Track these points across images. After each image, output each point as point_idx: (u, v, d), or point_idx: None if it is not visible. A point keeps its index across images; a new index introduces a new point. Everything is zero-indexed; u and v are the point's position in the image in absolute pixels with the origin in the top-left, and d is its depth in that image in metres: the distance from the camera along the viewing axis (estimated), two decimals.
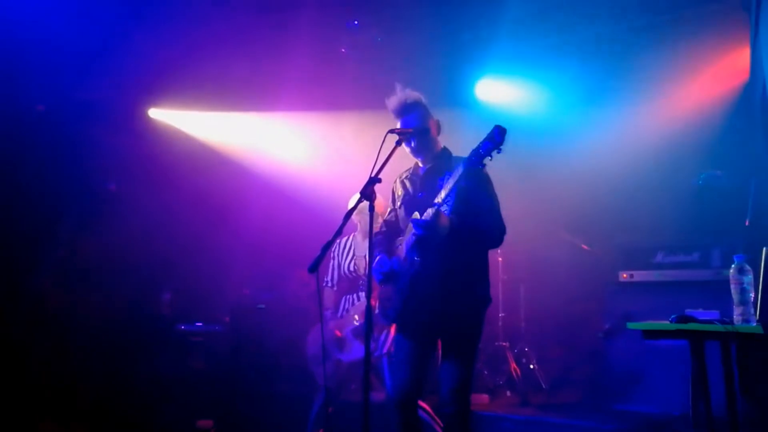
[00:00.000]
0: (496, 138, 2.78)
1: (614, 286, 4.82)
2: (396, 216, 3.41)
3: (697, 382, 2.98)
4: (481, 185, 3.11)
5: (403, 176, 3.42)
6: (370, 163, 2.91)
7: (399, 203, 3.37)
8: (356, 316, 4.31)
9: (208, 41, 5.51)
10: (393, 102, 3.22)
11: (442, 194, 2.98)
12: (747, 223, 4.41)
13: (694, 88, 5.20)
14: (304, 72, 5.87)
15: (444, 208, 2.96)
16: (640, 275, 4.72)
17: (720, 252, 4.45)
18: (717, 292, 4.27)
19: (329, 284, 4.47)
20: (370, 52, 6.09)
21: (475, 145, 2.85)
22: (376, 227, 3.39)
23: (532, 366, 5.18)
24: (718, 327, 2.50)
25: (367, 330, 2.77)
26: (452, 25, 5.73)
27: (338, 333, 4.34)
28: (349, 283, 4.46)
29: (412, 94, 3.23)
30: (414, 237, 3.04)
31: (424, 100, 3.26)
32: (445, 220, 2.95)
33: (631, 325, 2.86)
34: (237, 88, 5.97)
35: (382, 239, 3.39)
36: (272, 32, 5.67)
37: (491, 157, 2.82)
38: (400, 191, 3.39)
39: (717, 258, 4.45)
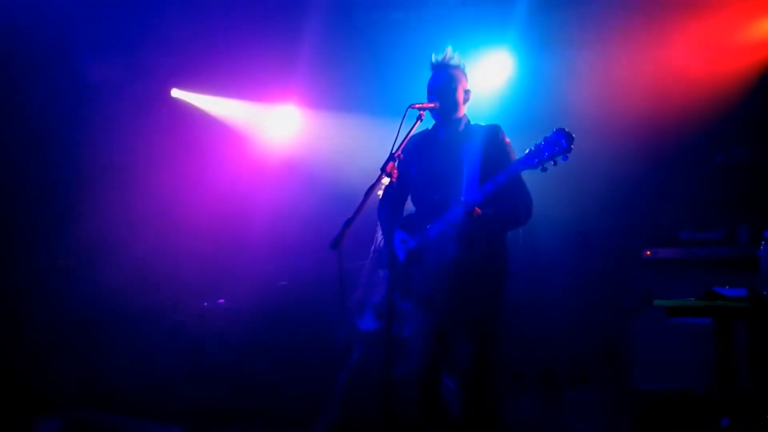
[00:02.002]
0: (562, 143, 2.66)
1: (637, 263, 4.77)
2: (405, 184, 3.26)
3: (722, 360, 2.94)
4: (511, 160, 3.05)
5: (417, 139, 3.22)
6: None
7: (412, 168, 3.25)
8: None
9: (231, 27, 5.52)
10: (435, 57, 3.21)
11: (472, 179, 2.94)
12: None
13: (722, 60, 5.04)
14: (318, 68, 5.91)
15: (480, 203, 2.90)
16: (663, 252, 4.66)
17: (747, 228, 4.37)
18: (744, 270, 4.24)
19: None
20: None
21: (532, 147, 2.75)
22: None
23: (550, 343, 5.14)
24: (745, 304, 2.45)
25: (389, 307, 2.76)
26: None
27: None
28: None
29: (455, 57, 3.21)
30: (449, 228, 3.00)
31: (464, 67, 3.24)
32: (480, 217, 2.91)
33: (657, 302, 2.82)
34: (255, 75, 5.98)
35: (391, 210, 3.32)
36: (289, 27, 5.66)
37: (555, 163, 2.71)
38: (412, 155, 3.23)
39: (744, 234, 4.37)
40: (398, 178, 3.30)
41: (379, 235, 4.41)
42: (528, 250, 5.19)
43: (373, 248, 4.47)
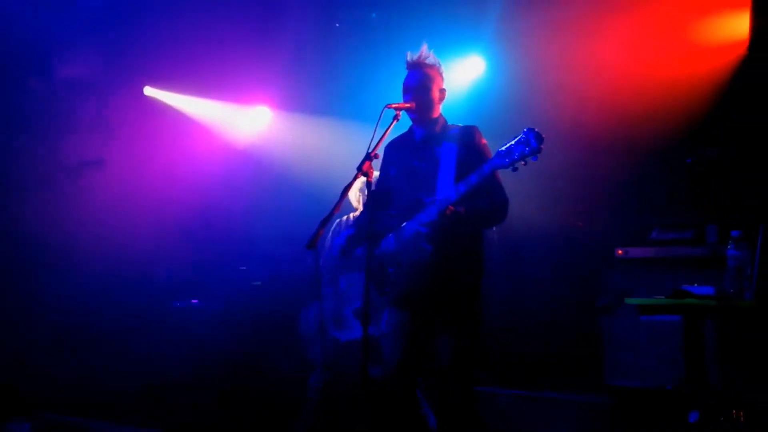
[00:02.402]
0: (532, 143, 2.67)
1: (609, 263, 4.84)
2: (386, 186, 3.33)
3: (691, 357, 3.00)
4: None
5: (396, 141, 3.36)
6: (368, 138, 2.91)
7: (391, 169, 3.31)
8: None
9: (209, 26, 5.49)
10: (410, 56, 3.22)
11: (447, 178, 2.96)
12: None
13: (692, 61, 5.12)
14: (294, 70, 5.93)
15: (453, 202, 2.93)
16: (635, 251, 4.73)
17: (715, 229, 4.46)
18: (712, 268, 4.33)
19: None
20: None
21: (502, 146, 2.77)
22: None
23: (526, 342, 5.21)
24: (712, 302, 2.51)
25: (365, 309, 2.77)
26: None
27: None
28: None
29: (430, 57, 3.22)
30: (423, 229, 3.01)
31: (439, 67, 3.24)
32: (455, 215, 2.93)
33: (628, 300, 2.88)
34: (229, 75, 5.94)
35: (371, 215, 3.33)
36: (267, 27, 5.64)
37: (525, 163, 2.73)
38: (392, 157, 3.34)
39: (712, 234, 4.46)
40: (380, 182, 3.36)
41: (328, 242, 4.43)
42: (501, 249, 5.25)
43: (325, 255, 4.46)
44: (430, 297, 3.10)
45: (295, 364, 4.80)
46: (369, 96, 6.02)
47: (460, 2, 5.75)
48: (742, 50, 4.94)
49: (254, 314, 5.49)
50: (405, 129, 3.35)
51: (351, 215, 4.55)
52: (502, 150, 2.78)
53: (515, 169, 2.78)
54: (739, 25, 5.03)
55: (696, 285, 3.15)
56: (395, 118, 3.09)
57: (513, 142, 2.75)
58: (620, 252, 4.80)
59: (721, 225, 4.44)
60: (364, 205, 3.36)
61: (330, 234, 4.45)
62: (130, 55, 5.48)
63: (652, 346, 4.51)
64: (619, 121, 5.08)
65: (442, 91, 3.27)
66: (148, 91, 6.12)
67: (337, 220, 4.51)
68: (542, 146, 2.66)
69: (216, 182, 6.08)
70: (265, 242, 5.89)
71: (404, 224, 3.14)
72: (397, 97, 3.23)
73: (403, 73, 3.31)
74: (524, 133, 2.72)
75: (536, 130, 2.69)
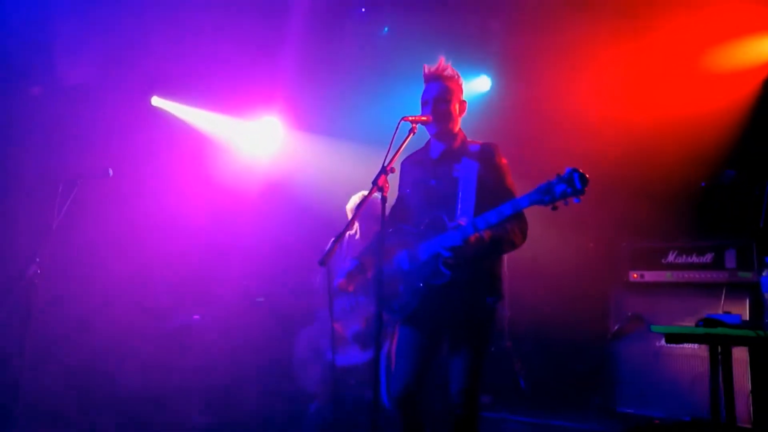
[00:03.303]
0: (576, 184, 2.50)
1: (623, 286, 4.72)
2: (403, 204, 3.25)
3: (716, 387, 2.86)
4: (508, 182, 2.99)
5: (412, 158, 3.25)
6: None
7: (408, 189, 3.21)
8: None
9: (217, 38, 5.45)
10: (427, 68, 3.12)
11: (468, 199, 2.86)
12: (762, 224, 4.32)
13: (711, 80, 5.06)
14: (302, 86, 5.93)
15: (482, 231, 2.81)
16: (650, 275, 4.62)
17: (734, 253, 4.34)
18: (731, 294, 4.22)
19: None
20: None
21: (543, 183, 2.60)
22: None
23: (535, 367, 5.07)
24: (748, 332, 2.37)
25: (377, 331, 2.65)
26: None
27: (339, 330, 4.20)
28: None
29: (449, 69, 3.12)
30: (446, 252, 2.88)
31: (459, 79, 3.14)
32: (480, 243, 2.82)
33: (654, 329, 2.74)
34: (238, 88, 5.89)
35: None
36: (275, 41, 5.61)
37: (567, 203, 2.56)
38: (408, 175, 3.23)
39: (731, 259, 4.34)
40: (398, 200, 3.25)
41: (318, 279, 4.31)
42: (512, 273, 5.12)
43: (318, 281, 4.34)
44: (445, 319, 2.98)
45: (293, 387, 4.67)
46: (377, 115, 6.00)
47: (467, 22, 5.72)
48: (762, 75, 4.90)
49: (256, 331, 5.36)
50: (421, 142, 3.23)
51: (347, 234, 4.44)
52: (542, 186, 2.61)
53: (555, 208, 2.62)
54: (758, 50, 5.01)
55: (721, 312, 3.00)
56: (411, 131, 2.97)
57: (555, 180, 2.58)
58: (635, 276, 4.68)
59: (740, 249, 4.32)
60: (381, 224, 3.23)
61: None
62: (138, 64, 5.40)
63: (667, 375, 4.37)
64: (635, 143, 5.00)
65: (463, 103, 3.16)
66: (156, 101, 6.04)
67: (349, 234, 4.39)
68: (586, 188, 2.50)
69: (222, 196, 5.98)
70: (269, 258, 5.78)
71: (421, 244, 3.02)
72: (403, 113, 3.07)
73: (415, 89, 3.21)
74: (567, 172, 2.55)
75: (581, 170, 2.52)
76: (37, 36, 4.65)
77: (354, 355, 4.14)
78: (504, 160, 3.06)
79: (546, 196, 2.59)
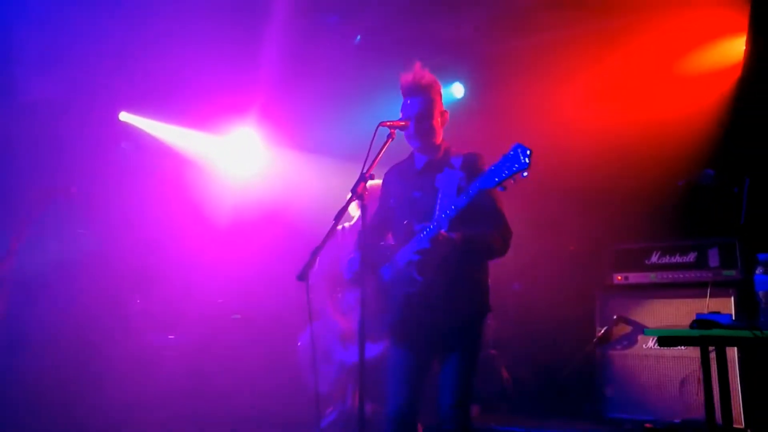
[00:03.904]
0: (520, 159, 2.45)
1: (608, 289, 4.67)
2: (385, 216, 3.18)
3: (710, 389, 2.79)
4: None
5: (396, 169, 3.18)
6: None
7: (391, 200, 3.13)
8: None
9: (187, 50, 5.32)
10: (404, 79, 3.00)
11: (445, 207, 2.75)
12: (742, 222, 4.31)
13: (686, 83, 5.08)
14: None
15: (445, 227, 2.71)
16: (635, 277, 4.58)
17: (717, 252, 4.31)
18: (715, 293, 4.19)
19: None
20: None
21: (491, 166, 2.56)
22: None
23: (522, 374, 4.99)
24: (745, 333, 2.30)
25: (361, 338, 2.55)
26: None
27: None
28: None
29: (427, 76, 3.00)
30: (416, 257, 2.80)
31: (438, 85, 3.03)
32: (447, 241, 2.72)
33: (648, 332, 2.67)
34: (209, 103, 5.79)
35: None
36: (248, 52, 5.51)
37: (515, 181, 2.51)
38: (392, 186, 3.16)
39: (714, 258, 4.31)
40: (380, 210, 3.15)
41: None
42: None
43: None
44: (431, 333, 2.89)
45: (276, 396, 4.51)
46: (353, 124, 5.93)
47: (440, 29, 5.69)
48: (735, 75, 4.92)
49: (234, 348, 5.22)
50: (401, 148, 3.14)
51: (347, 224, 4.35)
52: (491, 169, 2.56)
53: (504, 188, 2.55)
54: (730, 52, 5.04)
55: (707, 311, 2.95)
56: (390, 137, 2.88)
57: (500, 160, 2.53)
58: (619, 278, 4.63)
59: (723, 248, 4.30)
60: (359, 234, 3.10)
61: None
62: (105, 78, 5.24)
63: (656, 377, 4.32)
64: (614, 143, 4.97)
65: (444, 113, 3.06)
66: (124, 116, 5.88)
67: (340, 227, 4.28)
68: (530, 160, 2.44)
69: (194, 212, 5.84)
70: (243, 275, 5.63)
71: (396, 254, 2.94)
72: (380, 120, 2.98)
73: (390, 96, 3.12)
74: (512, 148, 2.50)
75: (523, 144, 2.48)
76: None
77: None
78: (487, 167, 2.97)
79: (494, 177, 2.53)
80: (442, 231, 2.71)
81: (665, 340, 2.63)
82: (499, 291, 4.63)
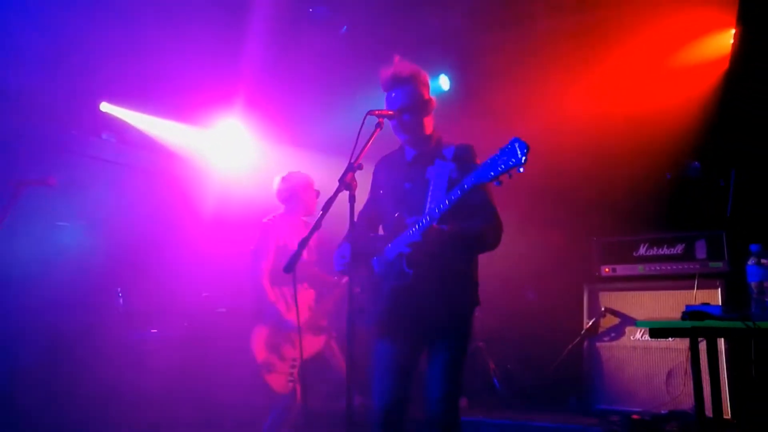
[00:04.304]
0: (517, 154, 2.40)
1: (595, 281, 4.66)
2: (375, 207, 3.13)
3: (699, 381, 2.78)
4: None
5: (387, 160, 3.14)
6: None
7: (381, 191, 3.09)
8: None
9: (168, 42, 5.22)
10: (384, 74, 2.95)
11: (436, 199, 2.71)
12: (728, 214, 4.32)
13: (675, 76, 5.08)
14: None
15: (437, 220, 2.67)
16: (622, 269, 4.58)
17: (704, 243, 4.32)
18: (702, 285, 4.20)
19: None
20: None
21: (487, 159, 2.51)
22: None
23: (509, 366, 4.98)
24: (737, 324, 2.28)
25: (349, 333, 2.50)
26: None
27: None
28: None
29: (407, 67, 2.94)
30: (406, 250, 2.76)
31: (421, 75, 2.97)
32: (439, 235, 2.68)
33: (639, 324, 2.64)
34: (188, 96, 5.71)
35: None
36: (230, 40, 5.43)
37: (510, 176, 2.46)
38: (382, 177, 3.11)
39: (701, 250, 4.32)
40: (369, 202, 3.10)
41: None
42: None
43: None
44: (419, 326, 2.85)
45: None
46: (338, 115, 5.88)
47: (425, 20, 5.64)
48: (722, 69, 4.93)
49: (218, 343, 5.14)
50: (389, 137, 3.09)
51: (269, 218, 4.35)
52: (486, 162, 2.52)
53: (500, 183, 2.51)
54: (716, 46, 5.05)
55: (695, 303, 2.93)
56: (378, 126, 2.83)
57: (497, 154, 2.48)
58: (607, 270, 4.63)
59: (710, 240, 4.31)
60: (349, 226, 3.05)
61: None
62: (85, 67, 5.12)
63: (643, 369, 4.33)
64: (600, 138, 4.96)
65: (429, 102, 2.99)
66: (105, 107, 5.76)
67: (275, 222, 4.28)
68: (526, 156, 2.40)
69: (177, 204, 5.75)
70: (228, 267, 5.56)
71: (386, 246, 2.89)
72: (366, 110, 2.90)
73: (376, 86, 3.05)
74: (510, 142, 2.45)
75: (521, 139, 2.43)
76: None
77: (312, 343, 4.20)
78: (478, 161, 2.93)
79: (489, 171, 2.48)
80: (434, 224, 2.68)
81: (656, 332, 2.61)
82: (487, 284, 4.66)
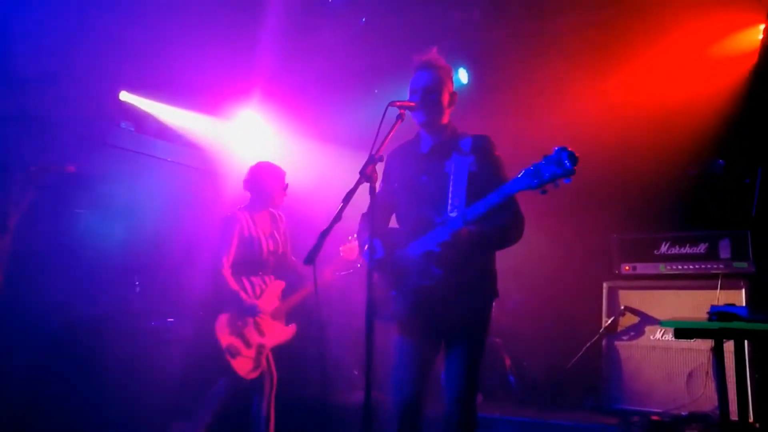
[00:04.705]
0: (565, 164, 2.34)
1: (615, 279, 4.60)
2: (389, 199, 3.07)
3: (724, 383, 2.72)
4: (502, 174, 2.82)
5: (401, 150, 3.08)
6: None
7: (395, 183, 3.03)
8: None
9: (188, 33, 5.23)
10: (419, 56, 2.95)
11: (458, 194, 2.70)
12: (753, 213, 4.23)
13: (700, 71, 4.98)
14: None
15: (471, 223, 2.64)
16: (643, 267, 4.50)
17: (728, 243, 4.24)
18: (725, 285, 4.12)
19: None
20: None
21: (530, 166, 2.44)
22: None
23: (526, 363, 4.92)
24: (766, 326, 2.22)
25: (368, 326, 2.46)
26: None
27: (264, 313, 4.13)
28: (257, 263, 4.21)
29: (440, 60, 2.96)
30: (436, 249, 2.72)
31: (450, 70, 2.99)
32: (469, 236, 2.66)
33: (664, 323, 2.59)
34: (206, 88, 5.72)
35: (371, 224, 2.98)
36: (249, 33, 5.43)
37: (557, 185, 2.40)
38: (396, 168, 3.06)
39: (725, 249, 4.23)
40: (382, 193, 3.06)
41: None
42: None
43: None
44: (439, 323, 2.83)
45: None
46: (357, 108, 5.85)
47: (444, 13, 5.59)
48: (750, 63, 4.83)
49: None
50: (406, 129, 3.04)
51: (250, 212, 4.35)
52: (530, 170, 2.45)
53: (544, 192, 2.46)
54: (744, 40, 4.95)
55: (723, 304, 2.87)
56: (400, 117, 2.79)
57: (543, 162, 2.42)
58: (627, 268, 4.56)
59: (735, 239, 4.22)
60: (367, 218, 3.02)
61: None
62: (105, 56, 5.12)
63: (663, 369, 4.27)
64: (623, 134, 4.88)
65: (453, 95, 3.00)
66: (124, 96, 5.76)
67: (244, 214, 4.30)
68: (576, 167, 2.34)
69: (195, 194, 5.75)
70: None
71: (410, 243, 2.85)
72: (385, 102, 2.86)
73: (391, 80, 3.04)
74: (555, 151, 2.39)
75: (570, 149, 2.37)
76: None
77: (281, 332, 4.28)
78: (497, 153, 2.91)
79: (534, 179, 2.42)
80: (467, 227, 2.64)
81: (682, 332, 2.55)
82: (505, 280, 4.62)
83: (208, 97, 5.99)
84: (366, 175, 2.58)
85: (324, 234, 2.54)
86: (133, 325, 4.82)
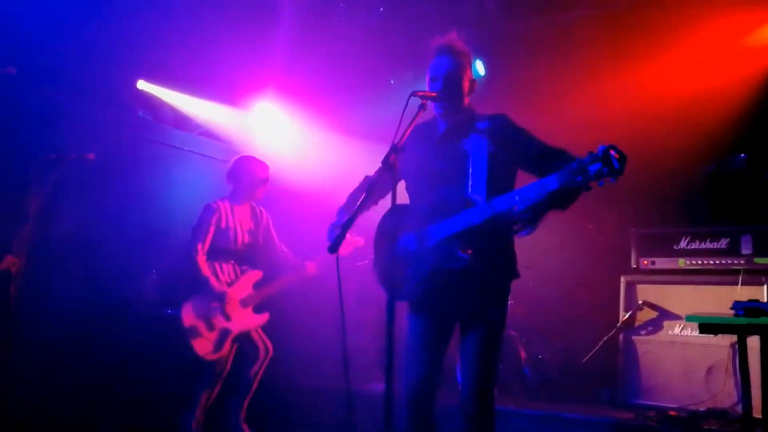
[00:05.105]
0: (612, 163, 2.27)
1: (633, 274, 4.56)
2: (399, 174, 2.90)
3: (747, 379, 2.70)
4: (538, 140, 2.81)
5: (416, 131, 2.87)
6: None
7: (409, 163, 2.92)
8: None
9: (206, 21, 5.23)
10: (438, 40, 2.91)
11: (478, 177, 2.68)
12: None
13: (721, 66, 4.92)
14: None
15: (502, 213, 2.60)
16: (662, 262, 4.46)
17: (750, 239, 4.18)
18: (746, 281, 4.08)
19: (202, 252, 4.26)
20: None
21: (573, 162, 2.37)
22: None
23: (541, 356, 4.90)
24: None
25: (389, 314, 2.44)
26: None
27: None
28: (230, 253, 4.36)
29: (461, 44, 2.91)
30: (462, 233, 2.68)
31: (469, 56, 2.95)
32: (494, 220, 2.62)
33: (689, 318, 2.55)
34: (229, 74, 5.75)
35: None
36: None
37: (602, 183, 2.33)
38: (410, 149, 2.88)
39: (747, 245, 4.18)
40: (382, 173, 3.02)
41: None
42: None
43: None
44: (457, 306, 2.80)
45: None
46: (373, 99, 5.83)
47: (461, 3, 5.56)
48: None
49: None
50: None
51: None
52: (573, 165, 2.38)
53: (589, 189, 2.41)
54: (764, 35, 4.89)
55: (748, 300, 2.82)
56: (421, 107, 2.77)
57: (587, 158, 2.35)
58: (646, 263, 4.52)
59: (757, 235, 4.17)
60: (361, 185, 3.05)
61: None
62: (123, 46, 5.12)
63: (681, 364, 4.23)
64: (644, 129, 4.83)
65: (473, 81, 2.97)
66: (142, 85, 5.77)
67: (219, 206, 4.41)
68: (624, 167, 2.28)
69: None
70: None
71: (431, 225, 2.81)
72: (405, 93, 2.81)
73: (409, 69, 3.01)
74: (601, 149, 2.32)
75: (617, 147, 2.30)
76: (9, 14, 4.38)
77: (249, 319, 4.39)
78: (519, 126, 2.86)
79: (578, 176, 2.35)
80: (494, 215, 2.59)
81: (707, 327, 2.52)
82: (522, 273, 4.59)
83: (225, 88, 6.00)
84: (389, 164, 2.56)
85: (347, 224, 2.52)
86: (149, 312, 4.85)
